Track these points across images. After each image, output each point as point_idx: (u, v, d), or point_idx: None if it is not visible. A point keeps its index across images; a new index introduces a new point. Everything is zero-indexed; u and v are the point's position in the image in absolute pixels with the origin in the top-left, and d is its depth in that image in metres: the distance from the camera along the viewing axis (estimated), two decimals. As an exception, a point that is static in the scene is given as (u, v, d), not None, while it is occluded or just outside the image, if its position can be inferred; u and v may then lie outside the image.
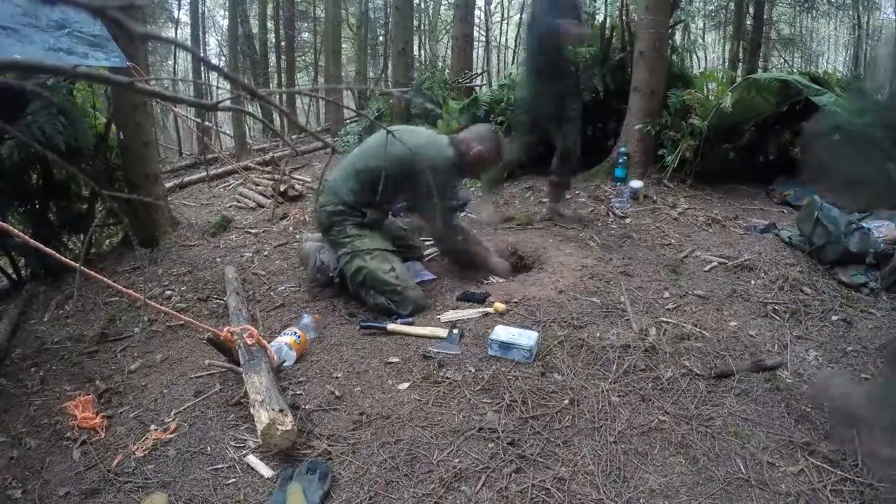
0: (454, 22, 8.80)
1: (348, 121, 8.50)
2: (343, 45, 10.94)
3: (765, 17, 9.55)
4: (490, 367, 2.04)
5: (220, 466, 1.67)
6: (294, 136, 9.25)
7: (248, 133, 10.61)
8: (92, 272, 1.89)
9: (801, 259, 2.98)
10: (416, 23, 12.80)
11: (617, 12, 5.46)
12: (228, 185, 6.21)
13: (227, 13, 11.81)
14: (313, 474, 1.56)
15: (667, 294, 2.60)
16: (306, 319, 2.41)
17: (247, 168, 6.38)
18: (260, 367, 1.92)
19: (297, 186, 5.23)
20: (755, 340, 2.23)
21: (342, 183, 2.68)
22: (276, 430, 1.63)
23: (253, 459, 1.67)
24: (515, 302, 2.51)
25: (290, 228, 4.00)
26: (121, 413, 2.03)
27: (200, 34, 12.12)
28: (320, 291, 2.79)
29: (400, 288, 2.51)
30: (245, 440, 1.77)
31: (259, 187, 5.42)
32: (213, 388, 2.07)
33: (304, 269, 2.96)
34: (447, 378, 2.00)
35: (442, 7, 15.39)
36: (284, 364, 2.12)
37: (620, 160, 4.48)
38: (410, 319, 2.45)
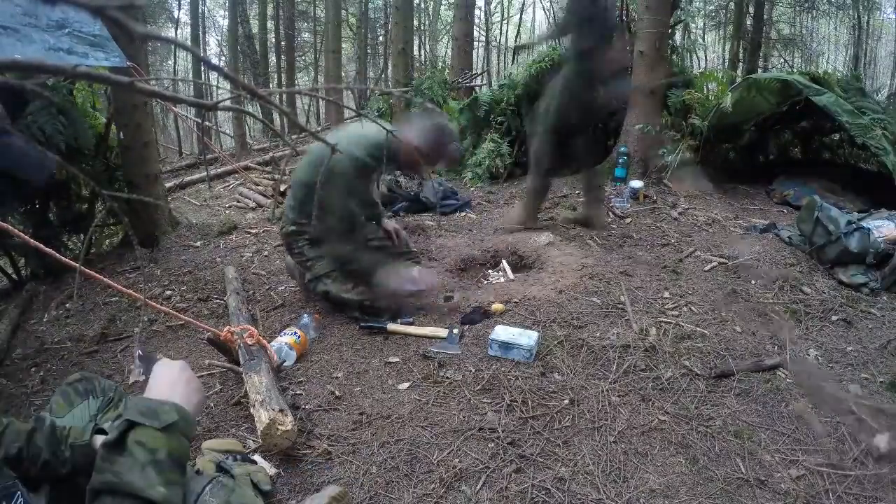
0: (454, 22, 8.80)
1: (348, 121, 8.50)
2: (343, 45, 10.95)
3: (765, 17, 9.53)
4: (490, 367, 2.04)
5: (220, 466, 1.67)
6: (294, 136, 9.25)
7: (248, 133, 10.60)
8: (92, 272, 1.89)
9: (801, 259, 2.98)
10: (416, 23, 12.80)
11: (617, 12, 5.45)
12: (228, 185, 6.21)
13: (227, 13, 11.80)
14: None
15: (667, 294, 2.60)
16: (306, 319, 2.41)
17: (247, 168, 6.38)
18: (260, 366, 1.92)
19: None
20: (755, 340, 2.23)
21: (287, 202, 2.64)
22: (276, 429, 1.63)
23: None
24: (515, 302, 2.51)
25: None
26: (121, 413, 2.03)
27: (200, 34, 12.11)
28: (315, 295, 2.77)
29: (368, 302, 2.46)
30: (245, 440, 1.77)
31: (259, 187, 5.42)
32: (213, 387, 2.07)
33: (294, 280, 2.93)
34: (447, 378, 2.00)
35: (442, 7, 15.39)
36: (284, 364, 2.12)
37: (620, 160, 4.48)
38: (410, 319, 2.44)
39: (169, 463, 0.90)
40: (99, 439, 1.13)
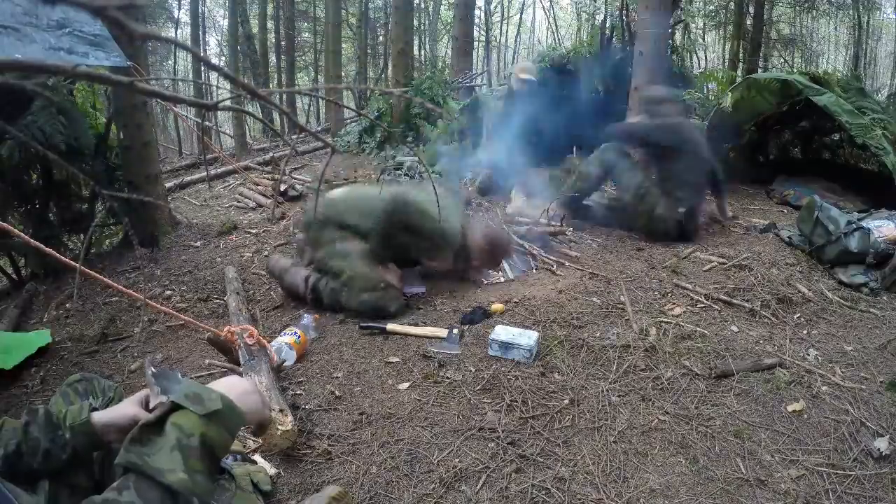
0: (454, 22, 8.80)
1: (348, 121, 8.50)
2: (343, 45, 10.95)
3: (765, 16, 9.53)
4: (490, 367, 2.04)
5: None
6: (294, 136, 9.25)
7: (248, 133, 10.60)
8: (92, 272, 1.89)
9: (801, 259, 2.98)
10: (416, 23, 12.80)
11: (617, 12, 5.47)
12: (228, 185, 6.20)
13: (227, 13, 11.81)
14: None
15: (667, 294, 2.60)
16: (306, 319, 2.41)
17: (247, 168, 6.38)
18: (260, 366, 1.92)
19: (298, 186, 5.23)
20: (755, 340, 2.23)
21: (336, 205, 2.70)
22: (276, 429, 1.63)
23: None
24: (515, 302, 2.51)
25: (291, 228, 4.00)
26: (121, 413, 2.03)
27: (200, 34, 12.12)
28: (296, 305, 2.76)
29: (383, 284, 2.50)
30: (245, 440, 1.77)
31: (259, 187, 5.42)
32: (213, 388, 2.07)
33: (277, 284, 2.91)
34: (447, 378, 2.00)
35: (442, 7, 15.39)
36: (284, 364, 2.12)
37: (620, 160, 4.48)
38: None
39: (200, 450, 0.88)
40: (95, 416, 1.13)
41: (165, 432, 0.88)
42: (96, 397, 1.30)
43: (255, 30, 11.22)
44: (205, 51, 13.72)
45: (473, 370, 2.04)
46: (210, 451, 0.91)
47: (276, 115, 10.80)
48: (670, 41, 5.00)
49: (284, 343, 2.18)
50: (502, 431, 1.73)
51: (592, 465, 1.61)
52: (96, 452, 1.20)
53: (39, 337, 2.48)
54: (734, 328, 2.32)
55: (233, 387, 1.04)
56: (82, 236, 3.63)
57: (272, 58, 12.86)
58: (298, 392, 1.99)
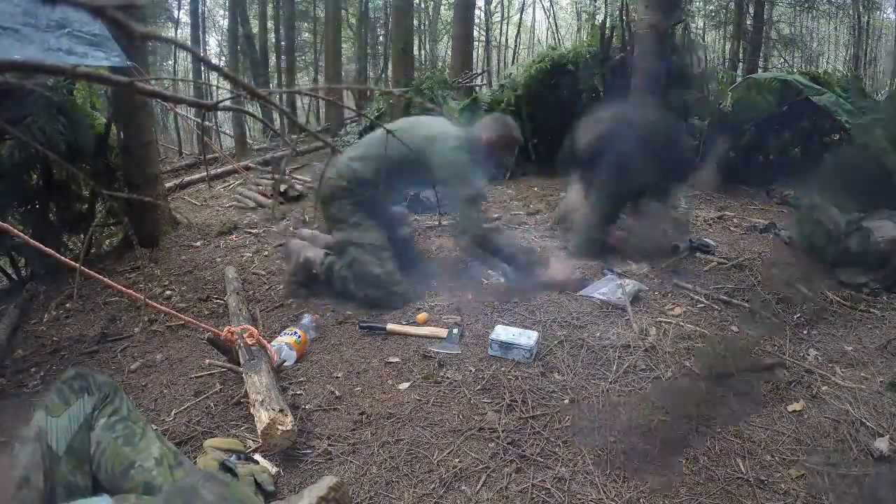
0: (454, 22, 8.80)
1: (348, 121, 8.50)
2: (343, 45, 10.96)
3: (765, 16, 9.53)
4: (490, 367, 2.04)
5: (220, 466, 1.67)
6: (294, 136, 9.24)
7: (248, 133, 10.60)
8: (92, 272, 1.89)
9: (801, 259, 2.98)
10: (416, 23, 12.80)
11: (617, 12, 5.47)
12: (228, 185, 6.21)
13: (227, 13, 11.81)
14: None
15: (667, 294, 2.60)
16: (306, 319, 2.41)
17: (247, 168, 6.38)
18: (260, 366, 1.92)
19: (298, 186, 5.23)
20: (754, 340, 2.23)
21: (349, 162, 2.68)
22: (276, 429, 1.63)
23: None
24: (515, 302, 2.52)
25: (291, 228, 4.00)
26: (121, 413, 2.03)
27: (200, 34, 12.12)
28: (297, 289, 2.79)
29: (384, 281, 2.55)
30: (245, 440, 1.77)
31: (259, 187, 5.42)
32: (214, 387, 2.07)
33: (286, 267, 2.95)
34: (447, 378, 2.00)
35: (442, 7, 15.39)
36: (285, 364, 2.12)
37: (620, 160, 4.47)
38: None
39: None
40: None
41: None
42: (91, 394, 1.29)
43: (255, 30, 11.21)
44: (205, 51, 13.72)
45: (473, 370, 2.04)
46: None
47: (276, 115, 10.79)
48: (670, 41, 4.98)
49: (284, 343, 2.18)
50: (502, 431, 1.73)
51: (592, 465, 1.61)
52: (93, 450, 1.21)
53: None
54: (734, 328, 2.32)
55: None
56: (82, 236, 3.64)
57: (272, 58, 12.85)
58: (298, 392, 1.99)
